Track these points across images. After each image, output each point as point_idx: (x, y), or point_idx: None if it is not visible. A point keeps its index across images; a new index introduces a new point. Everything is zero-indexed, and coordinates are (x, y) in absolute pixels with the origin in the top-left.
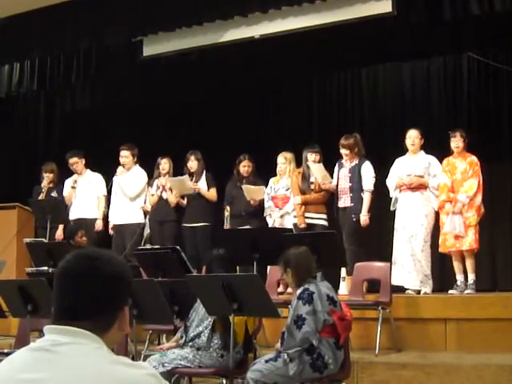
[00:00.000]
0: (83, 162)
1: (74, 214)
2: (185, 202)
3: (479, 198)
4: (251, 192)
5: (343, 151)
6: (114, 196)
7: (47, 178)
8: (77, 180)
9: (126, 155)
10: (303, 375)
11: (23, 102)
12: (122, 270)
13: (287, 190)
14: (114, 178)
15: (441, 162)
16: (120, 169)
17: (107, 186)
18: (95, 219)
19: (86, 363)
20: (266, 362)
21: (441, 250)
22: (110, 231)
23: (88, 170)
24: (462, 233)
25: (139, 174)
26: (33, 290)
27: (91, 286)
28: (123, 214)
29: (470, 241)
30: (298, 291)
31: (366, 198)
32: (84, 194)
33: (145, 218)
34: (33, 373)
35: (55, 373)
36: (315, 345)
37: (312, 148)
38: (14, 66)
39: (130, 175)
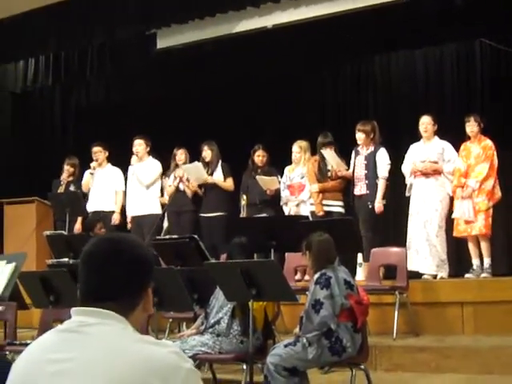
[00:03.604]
0: (106, 154)
1: (91, 207)
2: (202, 190)
3: (491, 183)
4: (266, 182)
5: (358, 135)
6: (129, 187)
7: (67, 172)
8: (95, 167)
9: (139, 143)
10: (322, 359)
11: (39, 97)
12: (144, 253)
13: (302, 178)
14: (130, 168)
15: (456, 147)
16: (134, 158)
17: (124, 177)
18: (112, 212)
19: (113, 342)
20: (285, 346)
21: (454, 234)
22: (129, 224)
23: (109, 164)
24: (471, 218)
25: (154, 163)
26: (55, 281)
27: (115, 268)
28: (141, 206)
29: (479, 226)
30: (316, 276)
31: (381, 185)
32: (103, 187)
33: (162, 209)
34: (61, 353)
35: (83, 352)
36: (333, 329)
37: (325, 137)
38: (29, 61)
39: (145, 164)
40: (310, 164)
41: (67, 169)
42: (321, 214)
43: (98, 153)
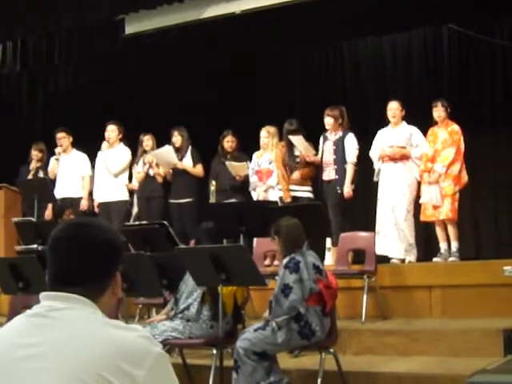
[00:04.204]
0: (70, 139)
1: (59, 193)
2: (171, 172)
3: (457, 167)
4: (235, 168)
5: (327, 120)
6: (97, 173)
7: (36, 157)
8: (60, 152)
9: (112, 129)
10: (291, 342)
11: (6, 82)
12: (112, 237)
13: (270, 163)
14: (99, 153)
15: (423, 132)
16: (105, 144)
17: (92, 162)
18: (80, 198)
19: (81, 327)
20: (255, 330)
21: (422, 219)
22: (96, 209)
23: (74, 150)
24: (438, 202)
25: (123, 150)
26: (23, 267)
27: (83, 253)
28: (108, 192)
29: (446, 210)
30: (285, 260)
31: (349, 170)
32: (69, 173)
33: (130, 196)
34: (30, 337)
35: (52, 337)
36: (302, 313)
37: (290, 125)
38: None
39: (115, 152)
40: (278, 150)
41: (35, 154)
42: (288, 200)
43: (62, 139)
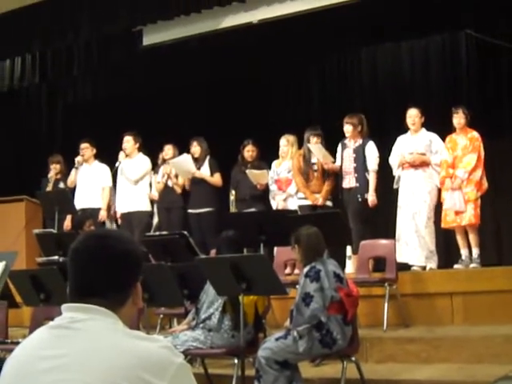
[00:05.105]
0: (93, 151)
1: (79, 204)
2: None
3: (479, 173)
4: (256, 176)
5: (346, 128)
6: (118, 184)
7: (54, 169)
8: (80, 161)
9: (127, 140)
10: (313, 351)
11: (26, 95)
12: (132, 248)
13: (289, 172)
14: (117, 164)
15: (442, 138)
16: (122, 154)
17: (111, 172)
18: (99, 209)
19: (104, 338)
20: (276, 339)
21: (443, 225)
22: (118, 220)
23: (96, 161)
24: (462, 208)
25: (142, 159)
26: (45, 279)
27: (103, 264)
28: (129, 202)
29: (469, 216)
30: (305, 269)
31: (372, 177)
32: (89, 184)
33: (152, 206)
34: (53, 349)
35: (74, 348)
36: (323, 321)
37: (313, 130)
38: (16, 60)
39: (134, 161)
40: (295, 159)
41: (54, 167)
42: (319, 202)
43: (85, 149)
